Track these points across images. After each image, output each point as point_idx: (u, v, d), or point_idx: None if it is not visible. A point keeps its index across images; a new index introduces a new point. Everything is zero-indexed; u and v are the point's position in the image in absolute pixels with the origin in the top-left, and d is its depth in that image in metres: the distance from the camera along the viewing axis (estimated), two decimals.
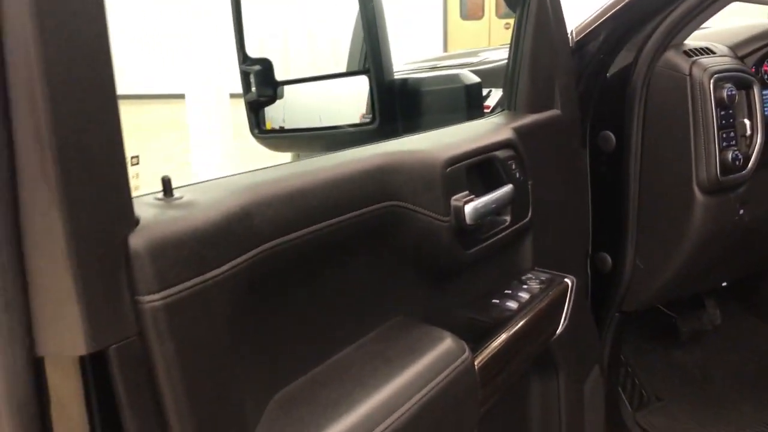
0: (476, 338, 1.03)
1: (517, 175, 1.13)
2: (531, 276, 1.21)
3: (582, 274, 1.56)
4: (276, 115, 1.63)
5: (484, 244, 1.04)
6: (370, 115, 1.48)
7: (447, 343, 0.89)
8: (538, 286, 1.17)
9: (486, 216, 1.00)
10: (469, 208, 0.95)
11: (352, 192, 0.83)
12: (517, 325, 1.05)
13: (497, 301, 1.11)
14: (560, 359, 1.21)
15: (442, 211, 0.93)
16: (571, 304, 1.19)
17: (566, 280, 1.21)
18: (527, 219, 1.17)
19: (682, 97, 1.44)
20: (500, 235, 1.09)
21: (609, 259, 1.61)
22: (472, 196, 0.98)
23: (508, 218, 1.11)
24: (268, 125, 1.64)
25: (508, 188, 1.06)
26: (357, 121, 1.59)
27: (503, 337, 1.01)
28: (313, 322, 0.82)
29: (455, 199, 0.95)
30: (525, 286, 1.17)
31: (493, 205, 1.01)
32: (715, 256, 1.62)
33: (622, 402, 1.81)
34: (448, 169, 0.95)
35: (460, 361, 0.87)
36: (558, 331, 1.16)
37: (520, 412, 1.25)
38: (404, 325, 0.94)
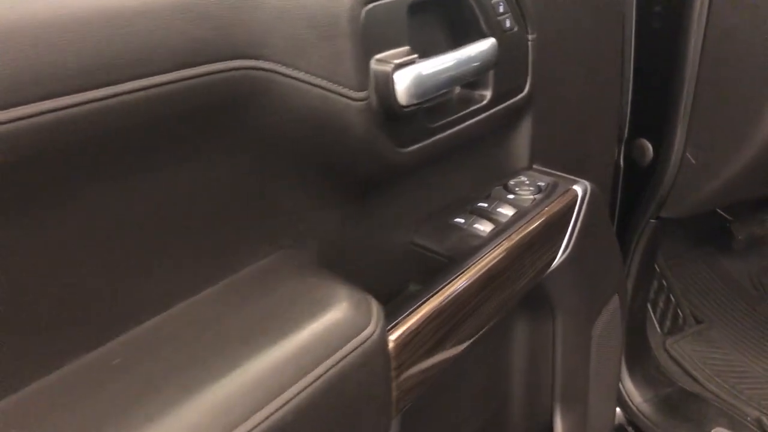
0: (413, 284, 0.67)
1: (507, 23, 0.71)
2: (523, 179, 0.82)
3: (607, 170, 1.16)
4: None
5: (439, 137, 0.65)
6: None
7: (343, 308, 0.53)
8: (531, 196, 0.79)
9: (440, 90, 0.60)
10: (403, 77, 0.56)
11: (165, 38, 0.44)
12: (485, 260, 0.68)
13: (461, 221, 0.73)
14: (557, 299, 0.85)
15: (352, 81, 0.54)
16: (579, 223, 0.81)
17: (575, 187, 0.82)
18: (523, 94, 0.77)
19: None
20: (471, 121, 0.69)
21: (650, 147, 1.20)
22: (414, 56, 0.58)
23: (487, 93, 0.71)
24: None
25: (486, 44, 0.65)
26: None
27: (459, 284, 0.64)
28: (97, 266, 0.46)
29: (378, 61, 0.55)
30: (510, 196, 0.79)
31: (455, 72, 0.61)
32: None
33: (651, 324, 1.46)
34: (367, 7, 0.54)
35: (358, 340, 0.52)
36: (555, 264, 0.79)
37: (495, 366, 0.90)
38: (281, 268, 0.58)
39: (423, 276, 0.72)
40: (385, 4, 0.56)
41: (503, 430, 0.93)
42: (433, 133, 0.64)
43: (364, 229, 0.67)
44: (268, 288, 0.55)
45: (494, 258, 0.68)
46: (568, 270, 0.83)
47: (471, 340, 0.68)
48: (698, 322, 1.50)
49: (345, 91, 0.53)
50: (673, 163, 1.16)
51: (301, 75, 0.52)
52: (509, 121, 0.80)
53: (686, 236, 1.63)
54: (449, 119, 0.66)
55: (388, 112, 0.57)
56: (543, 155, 0.91)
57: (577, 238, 0.81)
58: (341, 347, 0.51)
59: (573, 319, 0.89)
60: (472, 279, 0.65)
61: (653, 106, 1.16)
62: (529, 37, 0.75)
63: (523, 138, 0.83)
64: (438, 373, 0.63)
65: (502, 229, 0.72)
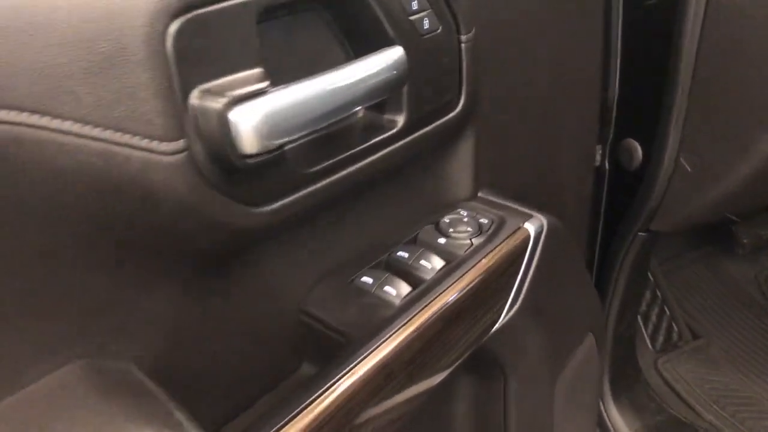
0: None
1: (425, 24, 0.53)
2: (462, 215, 0.65)
3: (585, 178, 0.98)
4: None
5: (326, 182, 0.48)
6: None
7: None
8: (467, 240, 0.62)
9: (308, 128, 0.43)
10: (245, 115, 0.39)
11: None
12: (393, 340, 0.51)
13: (368, 281, 0.57)
14: (507, 360, 0.68)
15: (155, 128, 0.37)
16: (532, 269, 0.64)
17: (527, 225, 0.65)
18: (456, 112, 0.60)
19: None
20: (376, 155, 0.52)
21: (639, 149, 1.02)
22: (263, 85, 0.41)
23: (399, 118, 0.54)
24: None
25: (388, 56, 0.48)
26: None
27: (351, 379, 0.48)
28: None
29: (202, 95, 0.38)
30: (441, 240, 0.62)
31: (335, 100, 0.44)
32: None
33: (642, 340, 1.30)
34: (179, 20, 0.37)
35: None
36: (499, 324, 0.63)
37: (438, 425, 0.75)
38: (78, 385, 0.41)
39: (319, 355, 0.56)
40: (212, 12, 0.39)
41: None
42: (315, 180, 0.47)
43: (232, 303, 0.50)
44: (52, 418, 0.39)
45: (408, 336, 0.52)
46: (520, 326, 0.66)
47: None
48: (696, 337, 1.33)
49: (144, 143, 0.37)
50: (665, 169, 0.99)
51: (65, 126, 0.35)
52: (441, 144, 0.63)
53: (684, 237, 1.46)
54: (340, 158, 0.49)
55: (224, 165, 0.40)
56: (497, 175, 0.74)
57: (530, 287, 0.64)
58: None
59: (530, 378, 0.73)
60: (372, 371, 0.49)
61: (643, 102, 0.98)
62: (462, 38, 0.57)
63: (462, 162, 0.66)
64: None
65: (422, 293, 0.55)
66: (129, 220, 0.39)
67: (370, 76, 0.46)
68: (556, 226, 0.67)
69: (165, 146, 0.37)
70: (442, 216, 0.64)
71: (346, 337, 0.53)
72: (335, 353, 0.51)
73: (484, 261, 0.59)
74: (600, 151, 1.06)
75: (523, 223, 0.64)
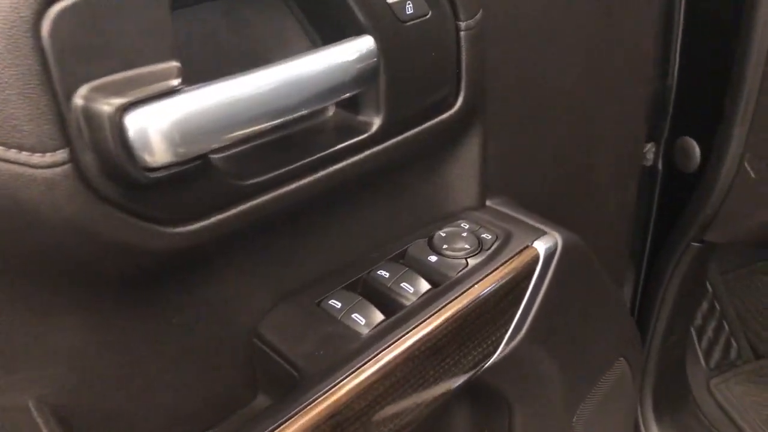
0: None
1: (408, 7, 0.45)
2: (461, 228, 0.56)
3: (629, 180, 0.87)
4: None
5: (276, 194, 0.41)
6: None
7: None
8: (463, 259, 0.54)
9: (232, 134, 0.36)
10: (144, 120, 0.32)
11: None
12: (355, 378, 0.44)
13: (336, 305, 0.49)
14: (511, 391, 0.60)
15: (26, 136, 0.30)
16: (540, 295, 0.55)
17: (538, 243, 0.56)
18: (452, 111, 0.51)
19: None
20: (344, 163, 0.45)
21: (697, 150, 0.90)
22: (172, 83, 0.33)
23: (375, 120, 0.46)
24: None
25: (355, 46, 0.40)
26: None
27: (306, 419, 0.41)
28: None
29: (90, 95, 0.32)
30: (433, 258, 0.54)
31: (270, 101, 0.37)
32: None
33: (694, 357, 1.18)
34: (56, 6, 0.30)
35: None
36: (495, 357, 0.54)
37: None
38: None
39: (274, 387, 0.50)
40: None
41: None
42: (257, 193, 0.40)
43: (169, 329, 0.44)
44: None
45: (371, 376, 0.44)
46: (527, 356, 0.58)
47: None
48: (758, 356, 1.20)
49: (11, 155, 0.30)
50: (726, 174, 0.87)
51: None
52: (437, 147, 0.54)
53: (748, 246, 1.32)
54: (292, 167, 0.42)
55: (122, 179, 0.33)
56: (514, 181, 0.65)
57: (538, 315, 0.56)
58: None
59: (542, 411, 0.65)
60: (322, 417, 0.42)
61: (704, 97, 0.86)
62: (461, 24, 0.48)
63: (466, 167, 0.57)
64: None
65: (396, 323, 0.48)
66: (11, 243, 0.33)
67: (323, 72, 0.38)
68: (573, 244, 0.58)
69: (39, 158, 0.31)
70: (439, 229, 0.56)
71: (300, 371, 0.46)
72: (288, 389, 0.45)
73: (477, 286, 0.51)
74: (653, 150, 0.94)
75: (533, 241, 0.55)
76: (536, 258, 0.55)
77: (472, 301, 0.50)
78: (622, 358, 0.75)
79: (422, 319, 0.48)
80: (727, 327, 1.21)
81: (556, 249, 0.56)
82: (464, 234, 0.55)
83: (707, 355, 1.19)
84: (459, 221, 0.57)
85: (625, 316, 0.73)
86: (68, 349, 0.39)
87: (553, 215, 0.60)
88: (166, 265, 0.40)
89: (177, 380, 0.45)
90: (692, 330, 1.18)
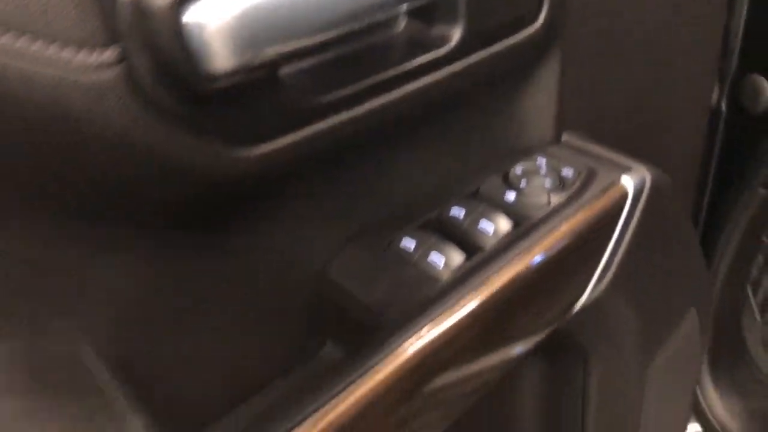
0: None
1: None
2: (539, 164, 0.51)
3: (698, 122, 0.81)
4: None
5: (349, 115, 0.36)
6: None
7: None
8: (545, 197, 0.48)
9: (311, 35, 0.30)
10: (213, 17, 0.26)
11: None
12: (442, 323, 0.39)
13: (408, 245, 0.44)
14: (590, 341, 0.55)
15: (69, 28, 0.25)
16: (628, 236, 0.50)
17: (625, 179, 0.50)
18: (536, 26, 0.45)
19: None
20: (420, 82, 0.39)
21: (767, 88, 0.84)
22: None
23: (454, 31, 0.40)
24: None
25: None
26: None
27: (385, 373, 0.36)
28: None
29: None
30: (511, 195, 0.48)
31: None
32: None
33: (749, 311, 1.12)
34: None
35: None
36: (581, 303, 0.49)
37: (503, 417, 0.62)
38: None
39: (344, 335, 0.45)
40: None
41: None
42: (328, 112, 0.35)
43: (230, 271, 0.39)
44: None
45: (457, 324, 0.39)
46: (608, 304, 0.52)
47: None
48: None
49: (52, 52, 0.25)
50: None
51: None
52: (513, 70, 0.48)
53: None
54: (366, 84, 0.36)
55: (182, 88, 0.28)
56: (587, 114, 0.59)
57: (624, 258, 0.50)
58: None
59: (617, 363, 0.60)
60: (413, 362, 0.37)
61: None
62: None
63: (542, 95, 0.51)
64: None
65: (478, 265, 0.42)
66: (53, 167, 0.28)
67: None
68: (661, 181, 0.52)
69: (85, 57, 0.25)
70: (513, 165, 0.50)
71: (376, 318, 0.41)
72: (364, 336, 0.40)
73: (564, 226, 0.46)
74: (716, 90, 0.88)
75: (620, 177, 0.50)
76: (625, 195, 0.49)
77: (559, 243, 0.45)
78: (693, 308, 0.69)
79: (506, 262, 0.43)
80: None
81: (644, 185, 0.50)
82: (543, 170, 0.50)
83: (763, 310, 1.13)
84: (535, 156, 0.52)
85: (701, 263, 0.67)
86: (122, 291, 0.34)
87: (624, 155, 0.54)
88: (229, 197, 0.34)
89: (238, 328, 0.40)
90: (748, 285, 1.12)
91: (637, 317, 0.58)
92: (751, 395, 1.05)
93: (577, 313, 0.49)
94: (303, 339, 0.45)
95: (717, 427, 1.04)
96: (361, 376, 0.37)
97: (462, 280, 0.41)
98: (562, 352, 0.57)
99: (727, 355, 1.07)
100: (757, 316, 1.13)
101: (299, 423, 0.33)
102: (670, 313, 0.64)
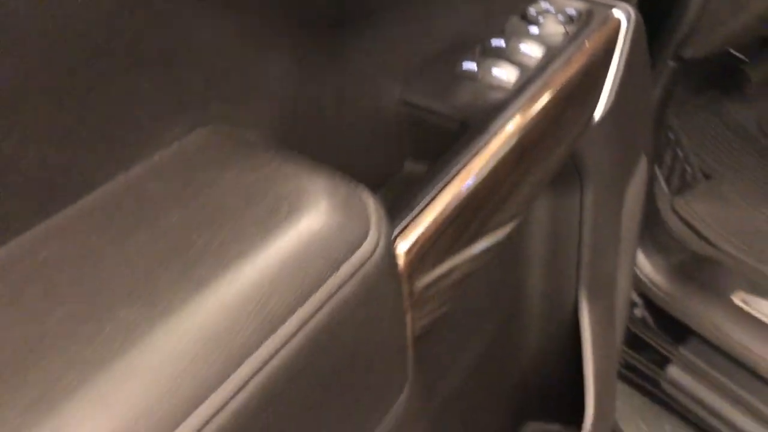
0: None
1: None
2: (545, 6, 0.60)
3: None
4: None
5: None
6: None
7: (325, 208, 0.32)
8: (562, 28, 0.57)
9: None
10: None
11: None
12: (515, 123, 0.47)
13: (471, 67, 0.51)
14: (589, 165, 0.65)
15: None
16: (622, 64, 0.60)
17: (616, 13, 0.60)
18: None
19: None
20: None
21: None
22: None
23: None
24: None
25: None
26: None
27: (484, 160, 0.44)
28: None
29: None
30: (533, 30, 0.57)
31: None
32: None
33: (658, 184, 1.29)
34: None
35: (356, 259, 0.31)
36: (598, 118, 0.59)
37: (511, 253, 0.72)
38: (214, 149, 0.36)
39: (423, 151, 0.52)
40: None
41: (521, 332, 0.76)
42: None
43: (331, 87, 0.45)
44: (200, 180, 0.33)
45: (527, 120, 0.47)
46: (606, 127, 0.62)
47: (494, 239, 0.48)
48: (707, 177, 1.34)
49: None
50: None
51: None
52: None
53: (692, 80, 1.44)
54: None
55: None
56: None
57: (620, 83, 0.60)
58: (333, 270, 0.30)
59: (605, 187, 0.70)
60: (503, 152, 0.45)
61: None
62: None
63: None
64: (459, 288, 0.44)
65: (532, 77, 0.50)
66: None
67: None
68: (639, 18, 0.62)
69: None
70: (525, 7, 0.59)
71: (461, 124, 0.48)
72: (451, 142, 0.47)
73: (584, 48, 0.55)
74: None
75: (613, 12, 0.59)
76: (617, 26, 0.59)
77: (583, 63, 0.54)
78: (643, 155, 0.82)
79: (551, 74, 0.51)
80: (681, 154, 1.34)
81: (630, 19, 0.60)
82: (551, 10, 0.59)
83: (668, 180, 1.31)
84: (538, 2, 0.60)
85: (652, 111, 0.79)
86: (283, 85, 0.39)
87: None
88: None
89: (342, 141, 0.46)
90: (654, 163, 1.28)
91: (619, 145, 0.68)
92: (669, 251, 1.22)
93: (586, 132, 0.59)
94: (386, 160, 0.51)
95: (648, 283, 1.20)
96: (461, 170, 0.44)
97: (522, 89, 0.49)
98: (563, 178, 0.67)
99: (646, 222, 1.23)
100: (665, 188, 1.30)
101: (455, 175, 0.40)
102: (636, 150, 0.76)
